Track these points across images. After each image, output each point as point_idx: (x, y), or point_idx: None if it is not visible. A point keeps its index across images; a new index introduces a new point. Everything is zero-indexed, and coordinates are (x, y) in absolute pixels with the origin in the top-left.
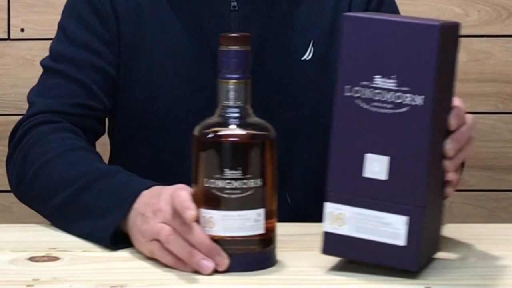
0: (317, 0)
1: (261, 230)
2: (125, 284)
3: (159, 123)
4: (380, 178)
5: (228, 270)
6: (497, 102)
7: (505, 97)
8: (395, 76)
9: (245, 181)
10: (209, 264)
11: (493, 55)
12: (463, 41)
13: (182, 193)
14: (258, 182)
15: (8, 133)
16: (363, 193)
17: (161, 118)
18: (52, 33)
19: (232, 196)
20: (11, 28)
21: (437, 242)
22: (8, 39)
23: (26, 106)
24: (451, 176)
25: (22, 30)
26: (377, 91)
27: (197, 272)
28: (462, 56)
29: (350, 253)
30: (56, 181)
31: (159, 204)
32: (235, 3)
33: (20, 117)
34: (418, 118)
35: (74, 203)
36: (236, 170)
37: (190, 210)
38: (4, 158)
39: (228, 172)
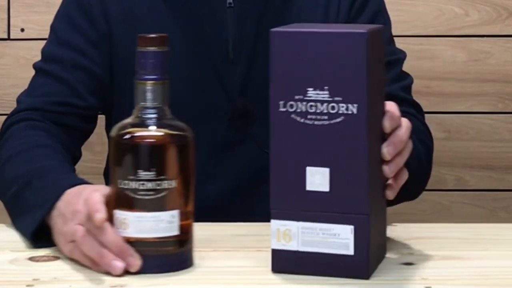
0: None
1: (175, 232)
2: (125, 284)
3: None
4: (322, 190)
5: (143, 271)
6: (497, 102)
7: (505, 97)
8: (327, 87)
9: (158, 182)
10: (119, 265)
11: (493, 55)
12: (463, 41)
13: (94, 195)
14: (173, 183)
15: None
16: (307, 206)
17: None
18: None
19: (146, 197)
20: (11, 28)
21: (384, 245)
22: (8, 39)
23: None
24: (391, 180)
25: (22, 30)
26: (311, 103)
27: (108, 273)
28: (462, 56)
29: (300, 268)
30: (10, 176)
31: (77, 206)
32: (230, 0)
33: None
34: (354, 127)
35: (18, 199)
36: (149, 171)
37: (99, 213)
38: None
39: (141, 173)
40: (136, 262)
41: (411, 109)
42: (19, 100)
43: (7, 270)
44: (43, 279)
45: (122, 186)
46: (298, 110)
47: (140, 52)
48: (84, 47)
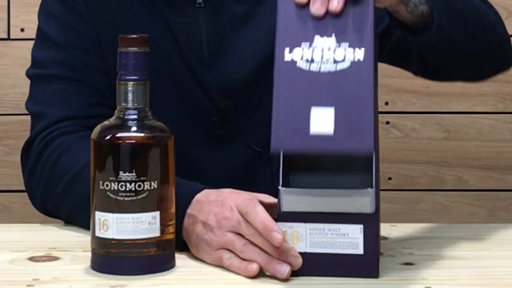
0: None
1: (156, 233)
2: (125, 284)
3: None
4: (326, 131)
5: (125, 273)
6: (497, 102)
7: (505, 97)
8: (333, 33)
9: (139, 183)
10: (285, 268)
11: None
12: None
13: (259, 210)
14: (154, 184)
15: (8, 133)
16: (311, 147)
17: None
18: None
19: (126, 198)
20: (11, 28)
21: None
22: (8, 39)
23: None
24: None
25: (22, 30)
26: (317, 50)
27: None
28: None
29: (308, 270)
30: None
31: (224, 213)
32: (200, 0)
33: (21, 117)
34: (361, 73)
35: None
36: (130, 172)
37: (277, 233)
38: (4, 158)
39: (122, 175)
40: (298, 261)
41: None
42: (38, 112)
43: (7, 270)
44: (43, 279)
45: (103, 187)
46: (304, 58)
47: (121, 52)
48: (85, 44)
